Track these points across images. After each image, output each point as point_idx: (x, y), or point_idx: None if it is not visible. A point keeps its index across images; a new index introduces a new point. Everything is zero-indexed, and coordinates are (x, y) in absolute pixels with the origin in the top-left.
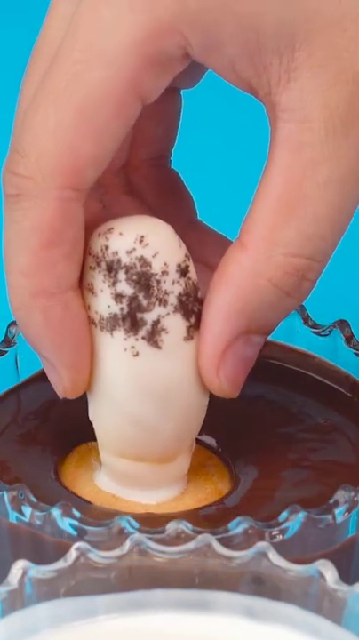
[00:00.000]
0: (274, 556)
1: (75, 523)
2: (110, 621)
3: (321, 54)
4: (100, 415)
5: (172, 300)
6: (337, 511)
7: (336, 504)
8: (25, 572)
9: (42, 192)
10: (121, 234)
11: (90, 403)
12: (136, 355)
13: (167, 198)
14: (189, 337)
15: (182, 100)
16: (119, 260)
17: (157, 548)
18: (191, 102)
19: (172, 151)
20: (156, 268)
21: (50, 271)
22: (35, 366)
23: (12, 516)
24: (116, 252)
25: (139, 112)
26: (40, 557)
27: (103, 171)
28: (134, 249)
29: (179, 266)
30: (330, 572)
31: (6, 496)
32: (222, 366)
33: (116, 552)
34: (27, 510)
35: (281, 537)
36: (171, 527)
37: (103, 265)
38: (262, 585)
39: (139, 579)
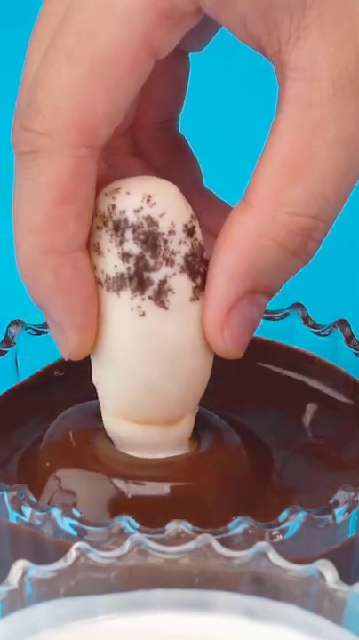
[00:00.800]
0: (274, 556)
1: (75, 523)
2: (110, 621)
3: (331, 13)
4: (105, 377)
5: (179, 260)
6: (337, 511)
7: (336, 504)
8: (25, 572)
9: (57, 148)
10: (128, 193)
11: (94, 365)
12: (142, 315)
13: (173, 162)
14: (195, 298)
15: (190, 64)
16: (126, 220)
17: (157, 548)
18: (198, 68)
19: (180, 116)
20: (163, 227)
21: (62, 229)
22: (35, 366)
23: (12, 516)
24: (124, 212)
25: (152, 68)
26: (40, 557)
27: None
28: (141, 208)
29: (185, 226)
30: (330, 572)
31: (6, 496)
32: (227, 327)
33: (116, 552)
34: (27, 510)
35: (281, 537)
36: (171, 527)
37: (110, 224)
38: (262, 585)
39: (139, 579)
